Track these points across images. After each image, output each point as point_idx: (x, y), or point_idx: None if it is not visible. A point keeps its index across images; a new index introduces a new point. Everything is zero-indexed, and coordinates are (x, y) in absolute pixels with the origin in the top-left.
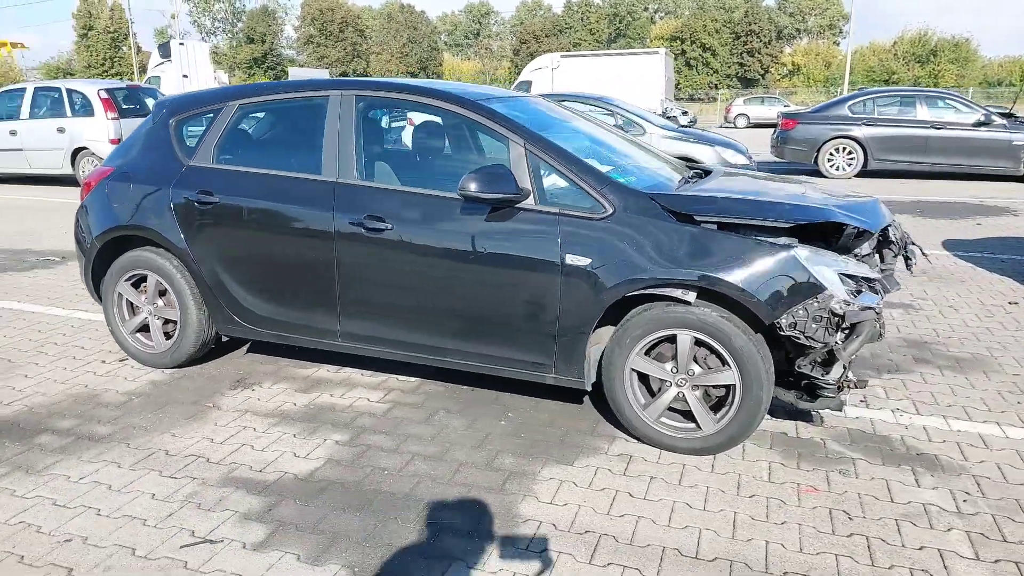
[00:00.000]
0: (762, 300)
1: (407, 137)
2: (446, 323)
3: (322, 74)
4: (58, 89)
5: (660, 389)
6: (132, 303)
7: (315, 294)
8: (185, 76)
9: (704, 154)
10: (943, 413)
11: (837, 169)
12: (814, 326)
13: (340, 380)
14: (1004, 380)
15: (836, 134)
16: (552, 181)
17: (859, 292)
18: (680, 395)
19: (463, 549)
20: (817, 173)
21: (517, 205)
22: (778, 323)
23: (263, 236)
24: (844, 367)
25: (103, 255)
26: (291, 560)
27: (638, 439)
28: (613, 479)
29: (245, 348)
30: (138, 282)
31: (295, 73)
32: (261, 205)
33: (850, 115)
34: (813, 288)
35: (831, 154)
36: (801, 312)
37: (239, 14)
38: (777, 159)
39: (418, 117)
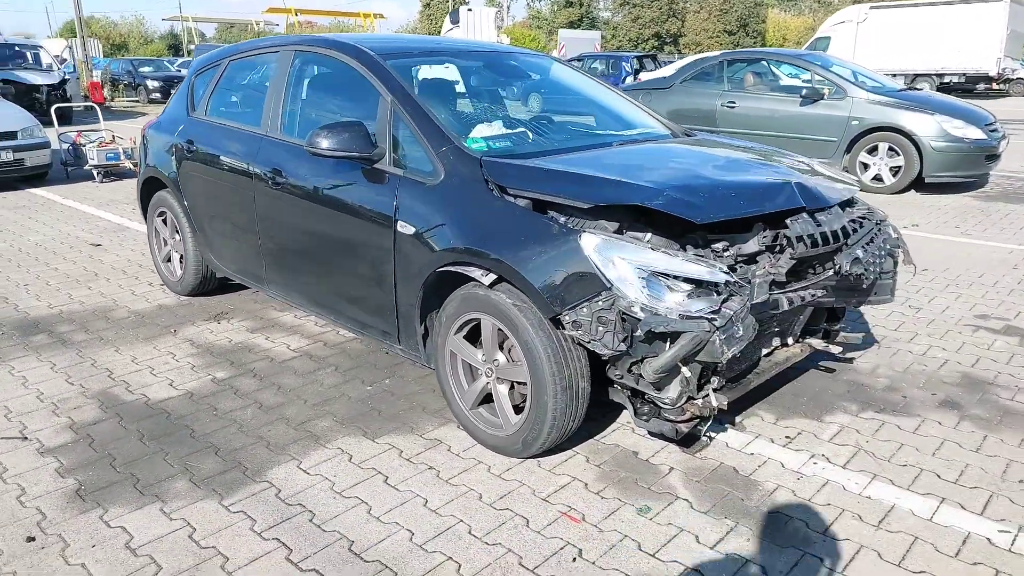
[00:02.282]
0: (540, 290)
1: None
2: (326, 281)
3: (594, 37)
4: None
5: (476, 377)
6: (163, 237)
7: (250, 241)
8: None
9: (921, 124)
10: (878, 473)
11: None
12: (600, 328)
13: (291, 326)
14: None
15: None
16: (411, 142)
17: (699, 296)
18: (489, 385)
19: (177, 493)
20: None
21: (375, 165)
22: (561, 319)
23: (220, 184)
24: (682, 387)
25: (143, 193)
26: (52, 467)
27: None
28: (390, 462)
29: None
30: (168, 219)
31: (563, 36)
32: (219, 156)
33: None
34: (597, 283)
35: None
36: (584, 310)
37: None
38: None
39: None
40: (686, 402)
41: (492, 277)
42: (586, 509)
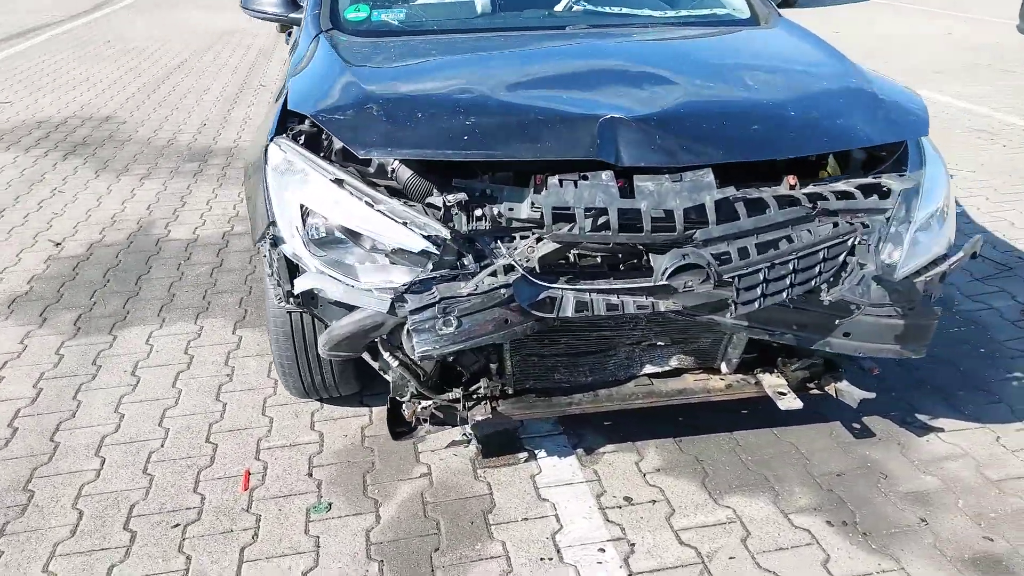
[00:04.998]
0: (248, 207)
1: None
2: None
3: None
4: None
5: None
6: None
7: None
8: None
9: None
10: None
11: None
12: (276, 272)
13: None
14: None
15: None
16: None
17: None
18: None
19: (55, 324)
20: None
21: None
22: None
23: None
24: (393, 376)
25: None
26: (36, 272)
27: None
28: (213, 356)
29: None
30: None
31: None
32: None
33: None
34: (266, 214)
35: None
36: (267, 245)
37: None
38: None
39: None
40: (412, 397)
41: None
42: (274, 479)
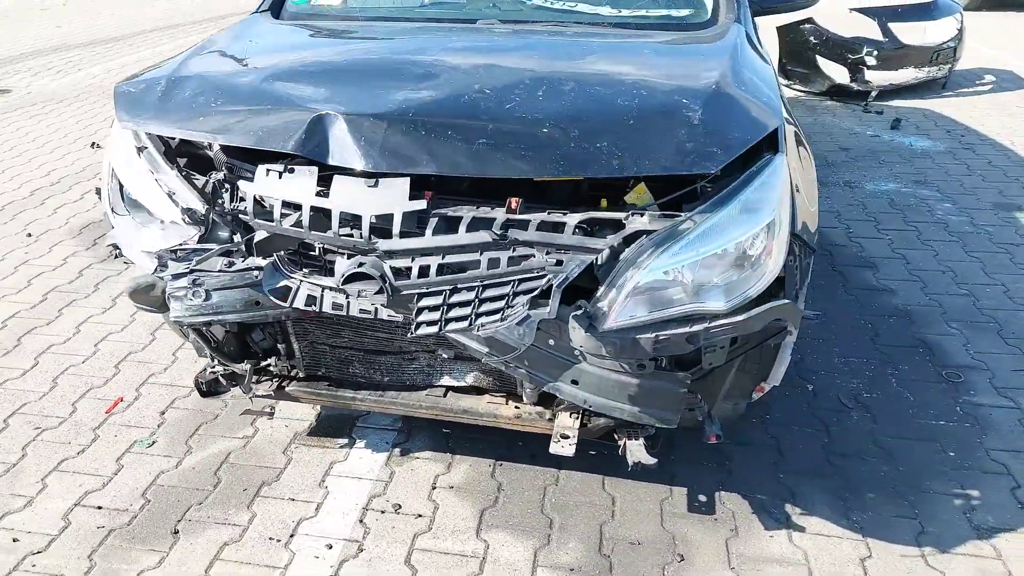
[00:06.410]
0: None
1: None
2: None
3: None
4: None
5: None
6: None
7: None
8: None
9: None
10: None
11: None
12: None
13: None
14: None
15: None
16: None
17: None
18: None
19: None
20: None
21: None
22: None
23: None
24: (194, 337)
25: None
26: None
27: None
28: None
29: None
30: None
31: None
32: None
33: None
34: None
35: None
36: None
37: None
38: None
39: None
40: (210, 359)
41: None
42: (135, 411)
